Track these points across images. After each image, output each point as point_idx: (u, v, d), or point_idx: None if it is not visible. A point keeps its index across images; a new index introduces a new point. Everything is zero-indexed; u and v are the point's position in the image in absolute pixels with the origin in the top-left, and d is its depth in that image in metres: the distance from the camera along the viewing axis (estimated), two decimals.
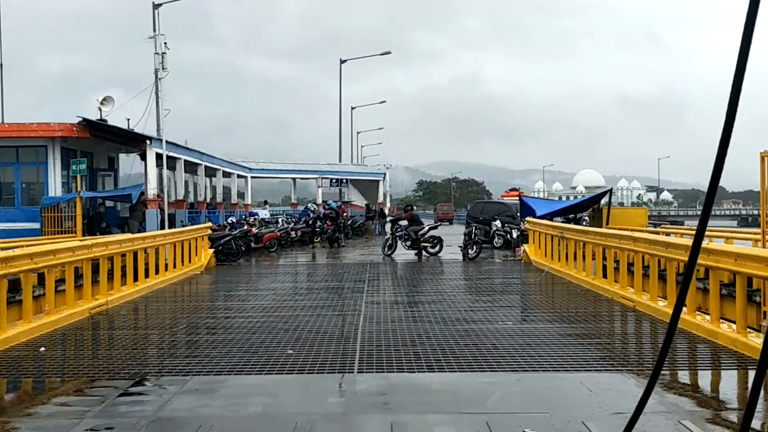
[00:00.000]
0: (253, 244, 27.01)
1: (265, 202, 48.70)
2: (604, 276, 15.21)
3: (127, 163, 31.35)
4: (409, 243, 25.88)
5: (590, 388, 7.37)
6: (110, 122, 25.87)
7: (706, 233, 19.83)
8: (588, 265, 16.25)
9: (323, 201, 43.07)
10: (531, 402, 7.08)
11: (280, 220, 35.42)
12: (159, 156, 25.61)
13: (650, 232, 21.52)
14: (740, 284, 9.69)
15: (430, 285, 16.79)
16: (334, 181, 48.62)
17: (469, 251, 23.62)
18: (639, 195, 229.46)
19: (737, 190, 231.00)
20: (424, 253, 25.30)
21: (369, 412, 6.84)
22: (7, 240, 18.42)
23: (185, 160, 30.02)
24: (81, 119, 24.45)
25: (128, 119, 28.22)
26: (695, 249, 2.55)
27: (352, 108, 64.98)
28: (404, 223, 26.49)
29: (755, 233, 17.12)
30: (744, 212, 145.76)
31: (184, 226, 25.40)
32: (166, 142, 26.09)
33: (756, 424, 6.13)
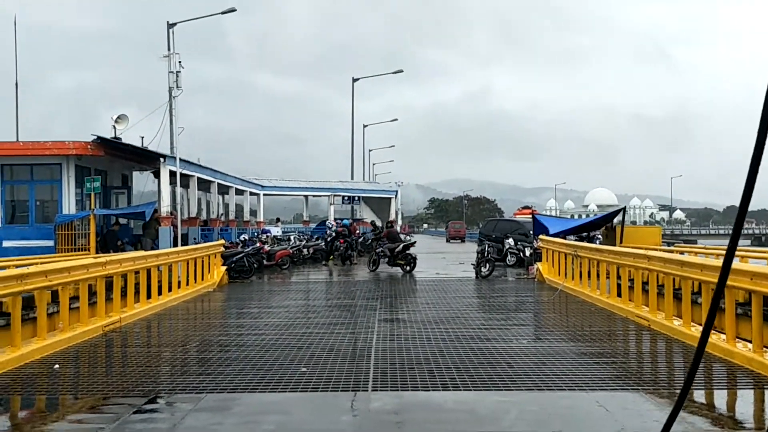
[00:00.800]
0: (265, 262, 27.03)
1: (278, 220, 48.79)
2: (619, 295, 15.12)
3: (141, 180, 31.51)
4: (386, 260, 26.47)
5: (607, 407, 7.30)
6: (124, 140, 26.04)
7: (720, 252, 19.69)
8: (602, 284, 16.17)
9: (335, 219, 43.11)
10: (547, 421, 7.03)
11: (292, 237, 35.46)
12: (172, 173, 25.74)
13: (664, 250, 21.42)
14: (756, 303, 9.62)
15: (444, 303, 16.73)
16: (346, 198, 48.72)
17: (482, 269, 23.53)
18: (651, 214, 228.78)
19: (750, 209, 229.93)
20: (417, 266, 25.82)
21: (383, 430, 6.81)
22: (21, 257, 18.54)
23: (198, 178, 30.16)
24: (95, 137, 24.62)
25: (142, 137, 28.37)
26: (725, 269, 2.50)
27: (364, 126, 65.24)
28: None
29: None
30: (757, 231, 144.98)
31: (197, 243, 25.46)
32: (180, 159, 26.22)
33: None
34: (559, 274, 20.20)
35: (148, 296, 15.77)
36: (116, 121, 26.09)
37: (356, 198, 49.47)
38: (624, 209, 27.30)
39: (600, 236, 27.65)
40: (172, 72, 27.23)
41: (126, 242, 25.78)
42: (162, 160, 25.52)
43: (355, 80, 55.44)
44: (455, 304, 16.52)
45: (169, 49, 29.10)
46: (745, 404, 8.04)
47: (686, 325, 11.41)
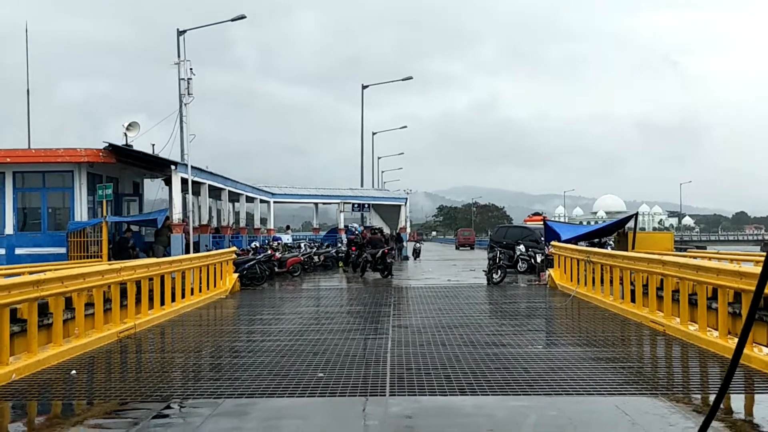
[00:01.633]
0: (276, 269, 27.05)
1: (288, 227, 48.83)
2: (632, 300, 15.08)
3: (152, 188, 31.58)
4: (369, 265, 27.39)
5: (626, 411, 7.28)
6: (135, 148, 26.11)
7: (734, 257, 19.58)
8: (616, 289, 16.12)
9: (365, 226, 43.08)
10: (567, 426, 7.01)
11: (302, 245, 35.47)
12: (184, 181, 25.79)
13: (677, 256, 21.33)
14: None
15: (457, 309, 16.70)
16: (356, 206, 48.68)
17: (494, 276, 23.50)
18: (660, 220, 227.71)
19: (760, 215, 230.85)
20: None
21: None
22: (34, 264, 18.58)
23: (209, 185, 30.21)
24: (107, 144, 24.68)
25: (153, 144, 28.40)
26: (764, 276, 2.46)
27: (373, 134, 65.23)
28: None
29: None
30: (767, 237, 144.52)
31: (208, 250, 25.50)
32: (191, 167, 26.28)
33: None
34: (571, 281, 20.15)
35: (162, 303, 15.82)
36: (127, 129, 26.12)
37: (366, 205, 49.42)
38: (636, 215, 27.20)
39: (612, 242, 27.57)
40: (183, 79, 27.21)
41: (138, 249, 25.84)
42: (173, 167, 25.56)
43: (364, 87, 55.47)
44: (468, 310, 16.49)
45: (179, 57, 29.19)
46: (763, 408, 8.00)
47: (702, 330, 11.36)
